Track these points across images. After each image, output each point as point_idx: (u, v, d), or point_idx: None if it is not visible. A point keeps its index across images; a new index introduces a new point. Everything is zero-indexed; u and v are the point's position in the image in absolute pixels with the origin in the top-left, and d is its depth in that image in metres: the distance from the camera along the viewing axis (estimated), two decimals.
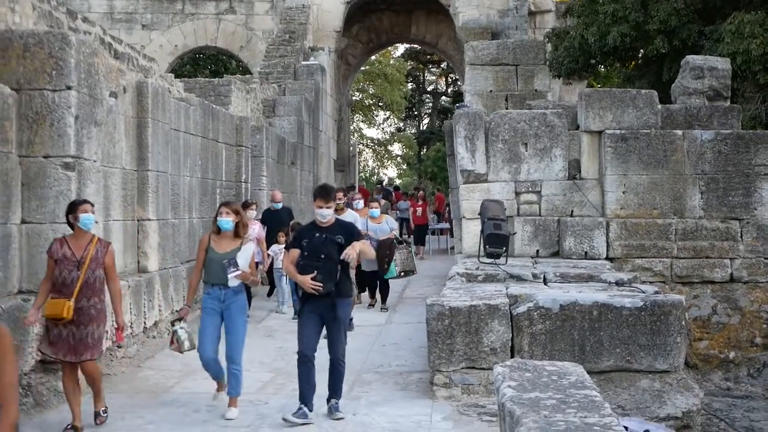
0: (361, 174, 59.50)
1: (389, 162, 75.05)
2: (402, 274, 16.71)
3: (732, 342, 15.14)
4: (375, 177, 68.30)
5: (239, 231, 9.80)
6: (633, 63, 25.31)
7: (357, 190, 30.37)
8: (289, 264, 9.41)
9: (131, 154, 12.88)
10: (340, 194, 14.83)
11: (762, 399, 14.25)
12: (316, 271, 9.04)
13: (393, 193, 36.86)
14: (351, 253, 9.09)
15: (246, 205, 15.40)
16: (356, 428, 8.98)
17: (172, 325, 10.02)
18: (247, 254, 9.69)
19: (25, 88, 10.21)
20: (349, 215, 14.78)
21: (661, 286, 13.72)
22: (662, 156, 15.40)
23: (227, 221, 9.71)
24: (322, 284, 9.00)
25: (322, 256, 9.09)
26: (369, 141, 71.01)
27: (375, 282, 17.32)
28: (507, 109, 22.76)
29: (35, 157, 10.24)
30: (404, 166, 74.88)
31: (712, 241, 15.28)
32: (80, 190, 10.47)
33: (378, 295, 17.41)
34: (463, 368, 10.15)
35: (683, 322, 10.35)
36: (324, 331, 9.45)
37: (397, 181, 68.14)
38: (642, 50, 23.05)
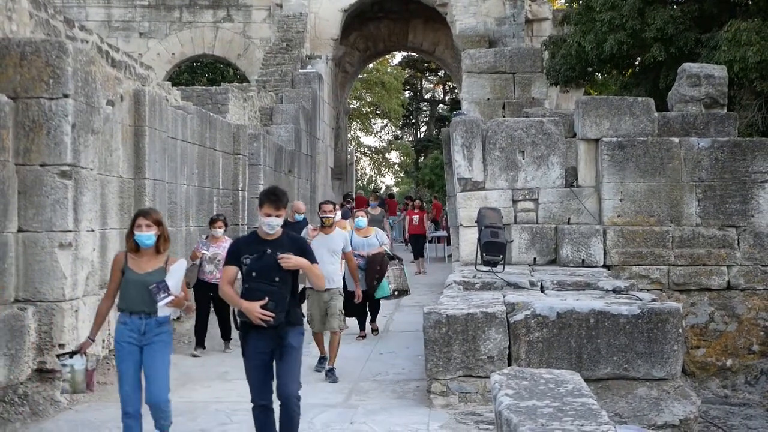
0: (359, 182, 59.47)
1: (387, 170, 75.07)
2: (396, 293, 14.87)
3: (729, 350, 15.13)
4: (372, 185, 68.31)
5: (160, 246, 8.13)
6: (630, 71, 25.35)
7: (354, 201, 30.41)
8: (227, 286, 7.73)
9: (128, 162, 12.88)
10: (330, 207, 12.58)
11: (759, 406, 14.24)
12: (267, 298, 7.47)
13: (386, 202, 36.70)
14: (287, 261, 7.55)
15: (212, 221, 14.18)
16: None
17: (59, 358, 8.37)
18: (178, 275, 8.12)
19: (21, 97, 10.20)
20: (338, 234, 12.52)
21: (658, 294, 13.71)
22: (659, 163, 15.41)
23: (147, 236, 8.00)
24: (274, 314, 7.46)
25: (277, 279, 7.53)
26: (366, 149, 71.01)
27: (364, 309, 14.94)
28: (504, 116, 22.82)
29: (32, 166, 10.23)
30: (402, 174, 74.86)
31: (709, 249, 15.27)
32: (77, 199, 10.47)
33: (367, 323, 15.24)
34: (460, 376, 10.13)
35: (680, 330, 10.34)
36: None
37: (394, 189, 68.13)
38: (639, 58, 23.08)
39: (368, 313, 15.20)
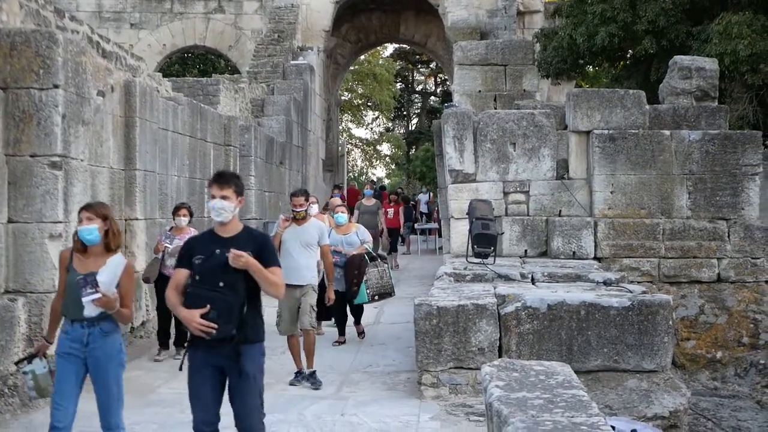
0: (350, 174, 59.42)
1: (378, 162, 75.07)
2: (376, 297, 13.61)
3: (719, 342, 15.18)
4: (364, 177, 68.27)
5: (110, 242, 7.15)
6: (621, 63, 25.37)
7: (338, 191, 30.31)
8: (172, 292, 6.61)
9: (119, 153, 12.85)
10: (301, 200, 11.30)
11: (749, 398, 14.29)
12: (209, 306, 6.32)
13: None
14: (237, 259, 6.36)
15: (176, 210, 12.77)
16: (344, 428, 8.97)
17: (17, 365, 7.72)
18: (112, 271, 7.05)
19: (11, 87, 10.17)
20: (312, 225, 11.41)
21: (648, 286, 13.74)
22: (650, 156, 15.44)
23: (87, 229, 7.00)
24: (216, 325, 6.30)
25: (221, 285, 6.37)
26: (358, 141, 70.98)
27: (344, 311, 13.93)
28: (495, 109, 22.76)
29: (22, 156, 10.19)
30: (393, 166, 74.87)
31: (700, 241, 15.31)
32: (67, 190, 10.44)
33: (349, 325, 14.24)
34: (450, 368, 10.14)
35: (670, 322, 10.36)
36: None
37: (386, 182, 68.11)
38: (630, 50, 23.12)
39: (350, 316, 14.15)
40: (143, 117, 13.37)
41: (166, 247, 12.42)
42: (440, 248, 24.87)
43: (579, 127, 15.73)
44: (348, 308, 14.01)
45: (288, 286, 10.24)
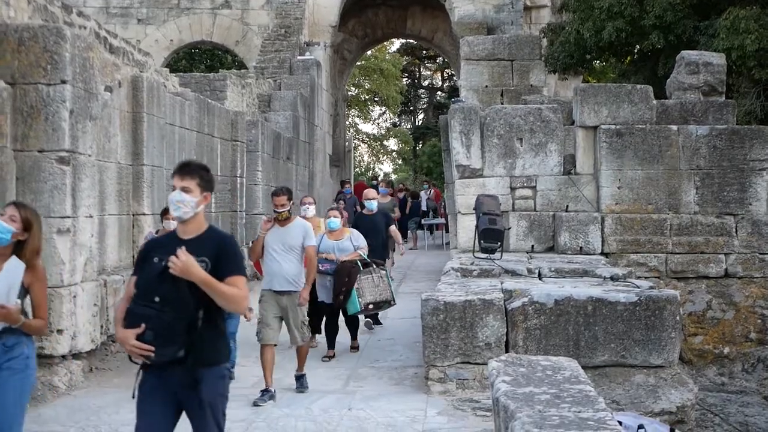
0: (357, 169, 59.44)
1: (385, 157, 75.03)
2: (370, 306, 12.51)
3: (726, 337, 15.16)
4: (371, 172, 68.28)
5: (24, 253, 6.38)
6: (628, 58, 25.31)
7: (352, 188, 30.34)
8: (121, 304, 5.71)
9: (126, 148, 12.88)
10: (283, 199, 10.31)
11: (756, 394, 14.27)
12: (144, 325, 5.33)
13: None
14: (175, 265, 5.34)
15: (164, 212, 11.11)
16: (351, 423, 8.99)
17: None
18: (7, 278, 6.23)
19: (19, 82, 10.18)
20: (296, 225, 10.45)
21: (655, 282, 13.72)
22: (657, 151, 15.41)
23: (5, 229, 6.30)
24: (153, 349, 5.32)
25: (156, 300, 5.37)
26: (364, 136, 70.93)
27: (335, 322, 12.72)
28: (502, 104, 22.78)
29: (30, 152, 10.21)
30: (400, 162, 74.84)
31: (707, 237, 15.28)
32: (75, 185, 10.46)
33: (343, 340, 13.05)
34: (457, 363, 10.15)
35: (678, 318, 10.36)
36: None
37: (393, 177, 68.06)
38: (637, 45, 23.01)
39: (346, 329, 13.02)
40: (150, 112, 13.39)
41: None
42: (447, 243, 24.85)
43: (586, 122, 15.71)
44: (344, 321, 12.93)
45: (273, 292, 10.26)
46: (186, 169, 5.80)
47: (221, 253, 5.59)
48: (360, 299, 12.24)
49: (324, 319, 12.74)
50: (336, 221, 12.80)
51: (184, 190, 5.67)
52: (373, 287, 12.43)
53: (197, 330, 5.40)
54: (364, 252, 12.78)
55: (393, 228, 15.11)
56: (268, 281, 10.38)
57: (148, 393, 5.57)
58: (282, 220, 10.36)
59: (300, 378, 10.49)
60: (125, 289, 5.79)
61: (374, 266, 12.64)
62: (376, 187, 25.41)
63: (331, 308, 12.54)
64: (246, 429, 8.79)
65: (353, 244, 12.74)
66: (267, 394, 9.91)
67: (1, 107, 9.89)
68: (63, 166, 10.29)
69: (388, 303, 12.79)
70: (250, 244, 11.85)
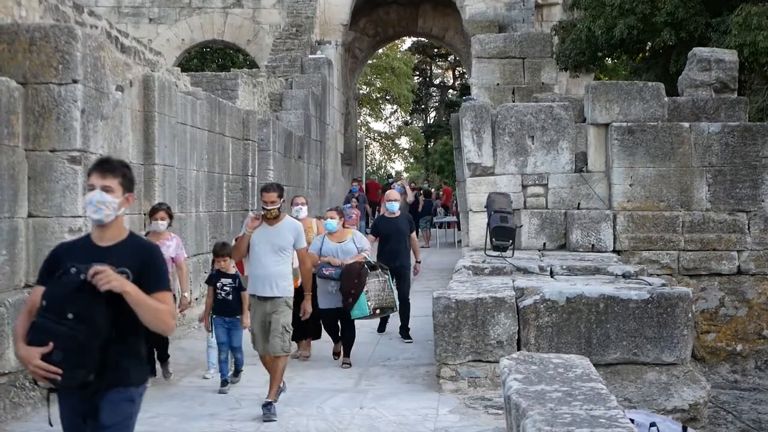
0: (369, 168, 59.45)
1: (396, 156, 75.07)
2: (377, 311, 11.73)
3: (739, 334, 15.12)
4: (382, 170, 68.32)
5: None
6: (640, 55, 25.26)
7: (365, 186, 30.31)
8: (22, 317, 5.00)
9: (138, 147, 12.89)
10: (273, 196, 9.46)
11: None
12: (53, 343, 4.68)
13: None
14: (103, 279, 4.69)
15: (153, 211, 10.85)
16: (363, 421, 8.98)
17: None
18: None
19: (31, 82, 10.21)
20: (287, 225, 9.61)
21: (668, 279, 13.69)
22: (669, 148, 15.38)
23: None
24: (60, 370, 4.67)
25: (69, 316, 4.71)
26: (376, 134, 70.99)
27: (335, 325, 12.04)
28: (514, 102, 22.76)
29: (42, 151, 10.24)
30: (411, 160, 74.87)
31: (719, 234, 15.25)
32: (86, 184, 10.47)
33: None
34: (469, 361, 10.14)
35: (690, 315, 10.33)
36: None
37: (404, 175, 68.07)
38: (649, 42, 22.98)
39: (340, 333, 12.09)
40: (162, 111, 13.41)
41: None
42: (459, 241, 24.85)
43: (597, 119, 15.68)
44: (340, 328, 12.05)
45: (258, 298, 9.45)
46: (107, 167, 5.09)
47: (146, 264, 4.99)
48: (369, 303, 11.49)
49: (335, 324, 11.98)
50: (333, 222, 11.93)
51: (105, 189, 4.99)
52: (379, 291, 11.67)
53: (108, 351, 4.79)
54: (368, 254, 12.08)
55: (414, 236, 14.11)
56: (252, 286, 9.60)
57: (66, 415, 5.01)
58: (271, 218, 9.51)
59: (268, 406, 9.17)
60: (29, 299, 5.04)
61: (380, 269, 11.87)
62: (388, 186, 25.22)
63: (337, 314, 11.79)
64: (257, 428, 8.80)
65: (357, 246, 11.98)
66: (271, 406, 9.19)
67: (13, 107, 9.92)
68: (74, 165, 10.32)
69: (391, 309, 12.03)
70: (233, 242, 10.84)
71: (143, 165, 13.07)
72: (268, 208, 9.41)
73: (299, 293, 10.05)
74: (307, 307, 9.93)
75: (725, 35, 19.19)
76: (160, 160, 13.35)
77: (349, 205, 23.43)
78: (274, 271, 9.36)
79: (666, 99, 15.73)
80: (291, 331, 9.56)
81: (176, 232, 13.28)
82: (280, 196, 9.53)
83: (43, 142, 10.24)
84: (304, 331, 11.98)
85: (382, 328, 14.09)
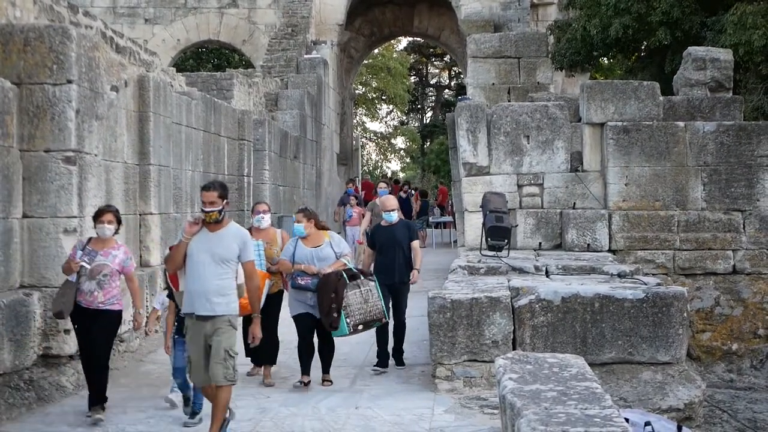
0: (365, 168, 59.46)
1: (392, 155, 75.06)
2: (360, 327, 10.37)
3: (735, 334, 15.13)
4: (378, 170, 68.32)
5: None
6: (635, 55, 25.29)
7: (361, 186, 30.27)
8: None
9: (133, 148, 12.88)
10: (213, 195, 8.06)
11: (765, 390, 14.24)
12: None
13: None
14: None
15: (98, 214, 9.39)
16: (358, 421, 8.98)
17: None
18: None
19: (25, 82, 10.21)
20: (231, 232, 8.22)
21: (663, 278, 13.71)
22: (664, 148, 15.38)
23: None
24: None
25: None
26: (372, 134, 70.98)
27: (310, 336, 10.65)
28: (509, 101, 22.75)
29: (36, 152, 10.24)
30: (407, 160, 74.87)
31: (715, 233, 15.25)
32: (81, 185, 10.48)
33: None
34: (465, 361, 10.14)
35: (685, 314, 10.34)
36: None
37: (401, 175, 68.05)
38: (644, 42, 23.02)
39: (318, 354, 10.81)
40: (157, 112, 13.40)
41: (82, 266, 9.08)
42: (455, 241, 24.83)
43: (593, 119, 15.68)
44: (317, 345, 10.80)
45: (196, 317, 8.09)
46: None
47: None
48: (348, 319, 10.17)
49: (309, 334, 10.62)
50: (300, 227, 10.51)
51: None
52: (361, 303, 10.30)
53: None
54: (348, 259, 10.73)
55: (416, 244, 11.95)
56: (188, 303, 8.15)
57: None
58: (211, 222, 8.12)
59: None
60: None
61: (362, 277, 10.51)
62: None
63: (314, 321, 10.46)
64: (253, 428, 8.79)
65: (335, 250, 10.60)
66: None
67: (8, 107, 9.91)
68: (69, 165, 10.31)
69: (378, 321, 10.62)
70: (167, 251, 9.01)
71: (138, 165, 13.05)
72: (207, 210, 8.04)
73: (247, 317, 8.97)
74: (256, 331, 8.49)
75: (720, 34, 19.22)
76: (156, 160, 13.33)
77: (351, 190, 23.42)
78: (213, 285, 8.03)
79: (661, 98, 15.73)
80: (236, 356, 8.12)
81: (172, 233, 13.29)
82: (223, 196, 8.15)
83: (37, 142, 10.24)
84: (266, 351, 10.71)
85: (383, 363, 11.54)
